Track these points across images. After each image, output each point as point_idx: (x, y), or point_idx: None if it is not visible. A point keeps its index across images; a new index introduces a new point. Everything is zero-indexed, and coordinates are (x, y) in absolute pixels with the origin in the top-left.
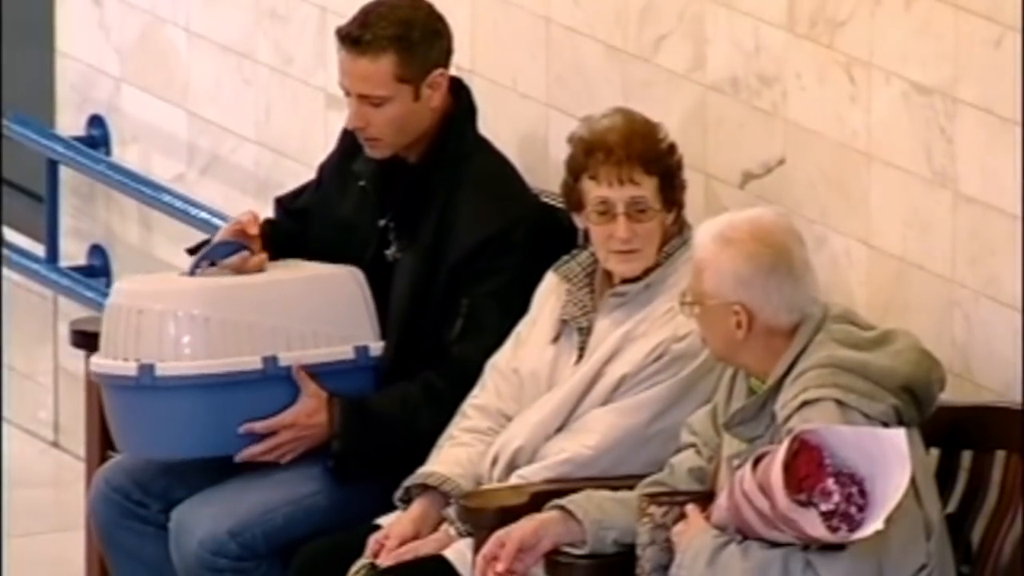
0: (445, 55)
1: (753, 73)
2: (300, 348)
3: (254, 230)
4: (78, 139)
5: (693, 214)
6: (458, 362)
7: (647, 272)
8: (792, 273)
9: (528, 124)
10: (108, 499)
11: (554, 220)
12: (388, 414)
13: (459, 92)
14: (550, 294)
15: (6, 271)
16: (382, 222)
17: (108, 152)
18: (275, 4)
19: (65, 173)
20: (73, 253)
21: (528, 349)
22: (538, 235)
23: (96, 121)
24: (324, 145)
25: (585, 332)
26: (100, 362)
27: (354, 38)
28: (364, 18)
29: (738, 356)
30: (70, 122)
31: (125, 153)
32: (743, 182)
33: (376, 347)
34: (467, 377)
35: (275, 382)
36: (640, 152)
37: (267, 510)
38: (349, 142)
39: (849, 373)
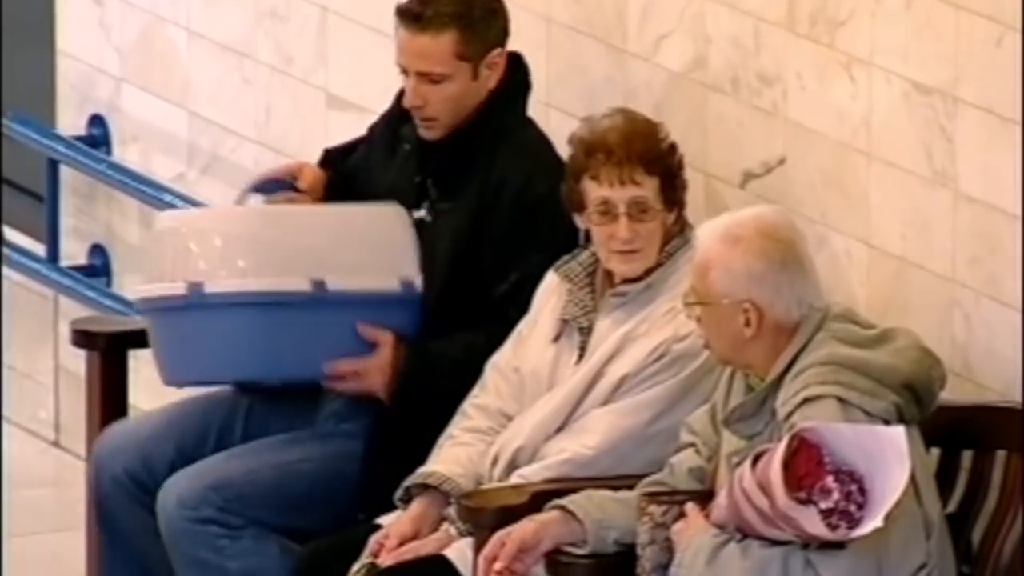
0: (503, 34)
1: (754, 72)
2: (347, 275)
3: (304, 184)
4: (79, 139)
5: (694, 214)
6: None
7: (648, 272)
8: (800, 267)
9: None
10: (118, 482)
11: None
12: (453, 359)
13: (515, 69)
14: (551, 293)
15: (7, 271)
16: (417, 179)
17: (109, 152)
18: (275, 4)
19: (66, 173)
20: (74, 253)
21: (529, 348)
22: (557, 218)
23: (97, 121)
24: (324, 144)
25: (586, 332)
26: (146, 287)
27: (415, 14)
28: None
29: (743, 355)
30: (71, 122)
31: (126, 153)
32: (743, 181)
33: (420, 283)
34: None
35: (324, 306)
36: (641, 152)
37: (250, 471)
38: (401, 106)
39: (850, 371)
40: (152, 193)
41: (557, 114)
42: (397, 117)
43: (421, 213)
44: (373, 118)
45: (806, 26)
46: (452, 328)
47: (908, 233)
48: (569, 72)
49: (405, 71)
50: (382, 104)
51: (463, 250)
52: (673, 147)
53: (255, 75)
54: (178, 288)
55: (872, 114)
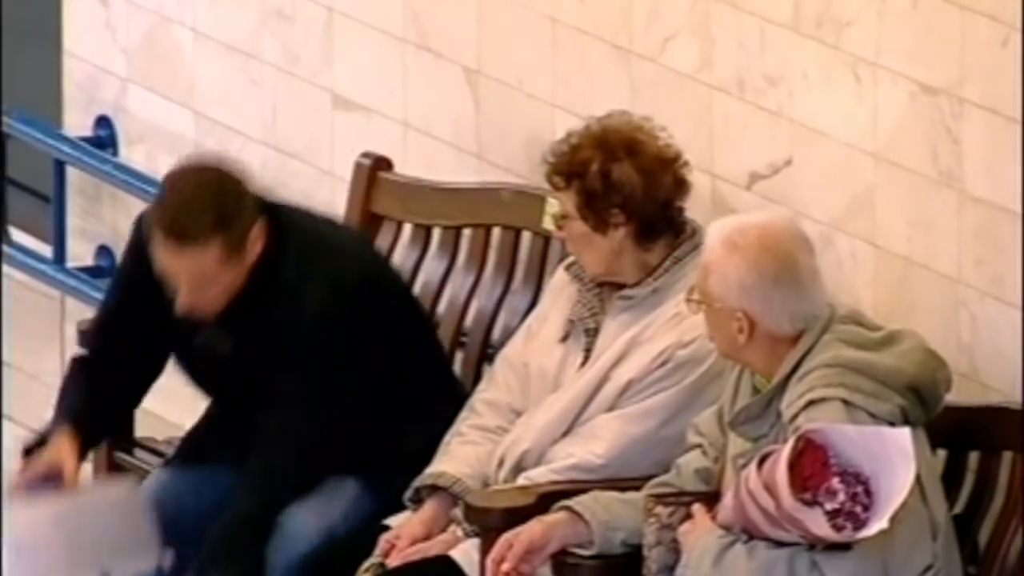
0: (256, 208)
1: (759, 73)
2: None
3: (68, 478)
4: (85, 139)
5: (700, 215)
6: (278, 435)
7: (654, 275)
8: (796, 284)
9: (534, 124)
10: None
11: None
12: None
13: (275, 226)
14: (561, 291)
15: (14, 271)
16: (197, 342)
17: (115, 152)
18: (281, 4)
19: (72, 173)
20: (80, 254)
21: (538, 345)
22: (366, 284)
23: (103, 121)
24: (331, 145)
25: (592, 334)
26: None
27: (177, 234)
28: (176, 208)
29: (741, 356)
30: (77, 122)
31: (132, 153)
32: (750, 183)
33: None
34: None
35: None
36: (563, 163)
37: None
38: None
39: (855, 373)
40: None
41: (563, 114)
42: (145, 254)
43: (200, 340)
44: (379, 119)
45: (811, 27)
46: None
47: (913, 234)
48: (575, 72)
49: (167, 279)
50: (387, 105)
51: (256, 380)
52: (605, 173)
53: (261, 75)
54: None
55: (878, 115)
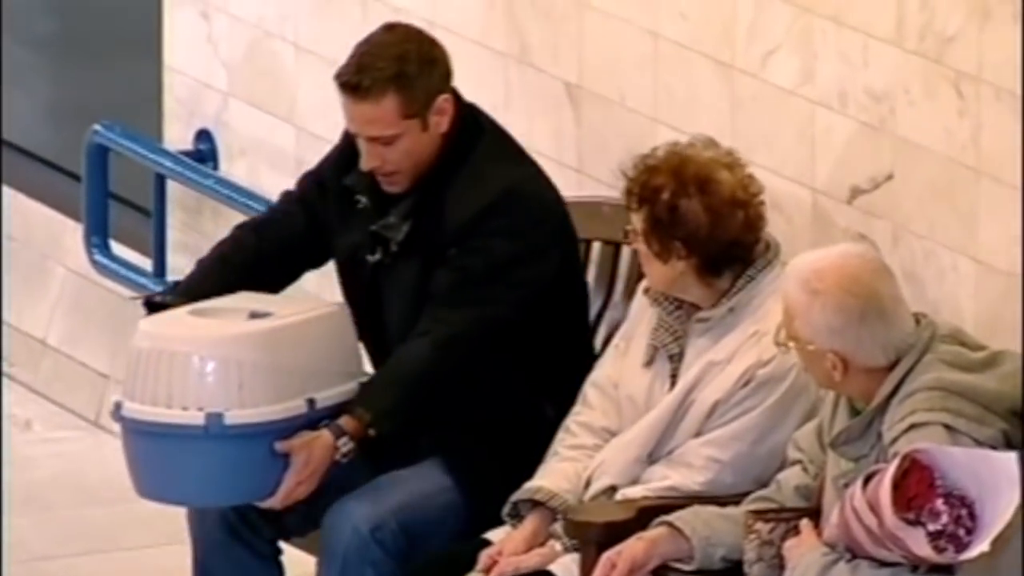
0: (445, 80)
1: (861, 88)
2: (327, 388)
3: None
4: (186, 153)
5: (801, 229)
6: (443, 325)
7: (729, 295)
8: (883, 317)
9: (635, 138)
10: (220, 514)
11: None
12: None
13: (464, 111)
14: (642, 315)
15: (115, 285)
16: (373, 227)
17: (216, 166)
18: (383, 18)
19: (172, 187)
20: (180, 267)
21: (626, 370)
22: (523, 201)
23: (204, 135)
24: None
25: (676, 359)
26: (154, 410)
27: (353, 85)
28: (358, 61)
29: (839, 389)
30: (178, 136)
31: (232, 167)
32: (851, 197)
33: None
34: (441, 300)
35: (312, 423)
36: (632, 184)
37: (422, 494)
38: (346, 150)
39: (958, 397)
40: (259, 208)
41: (665, 129)
42: (342, 164)
43: (377, 256)
44: None
45: (914, 41)
46: None
47: (1016, 249)
48: (676, 87)
49: (356, 135)
50: None
51: (421, 289)
52: (673, 206)
53: None
54: (196, 418)
55: (980, 129)
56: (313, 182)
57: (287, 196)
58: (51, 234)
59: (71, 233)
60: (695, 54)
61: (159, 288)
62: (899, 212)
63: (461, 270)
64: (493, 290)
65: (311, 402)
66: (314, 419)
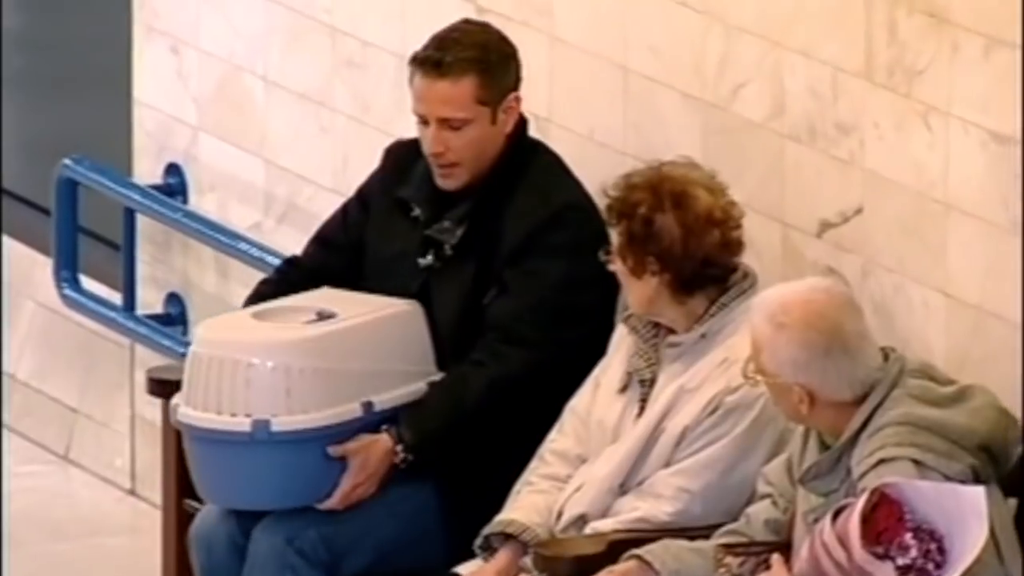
0: (517, 79)
1: (831, 122)
2: (387, 390)
3: None
4: (155, 187)
5: (771, 263)
6: (491, 320)
7: (701, 321)
8: (848, 352)
9: (606, 173)
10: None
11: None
12: (438, 397)
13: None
14: (621, 343)
15: (84, 319)
16: (428, 232)
17: (185, 200)
18: (352, 52)
19: (142, 221)
20: (150, 301)
21: (600, 396)
22: (584, 218)
23: (173, 169)
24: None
25: (647, 384)
26: (205, 416)
27: (435, 61)
28: (440, 43)
29: (808, 423)
30: (147, 170)
31: (202, 201)
32: (820, 231)
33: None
34: (501, 332)
35: (370, 427)
36: (613, 201)
37: (349, 515)
38: (392, 167)
39: (927, 432)
40: (228, 242)
41: (635, 163)
42: (391, 180)
43: (429, 260)
44: None
45: (884, 75)
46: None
47: (986, 283)
48: (647, 121)
49: (424, 119)
50: None
51: (473, 295)
52: (648, 220)
53: (332, 123)
54: (242, 424)
55: (949, 163)
56: (356, 203)
57: (315, 241)
58: (20, 269)
59: (40, 267)
60: (665, 87)
61: (127, 323)
62: (868, 246)
63: (519, 298)
64: (550, 327)
65: (368, 405)
66: (371, 422)
